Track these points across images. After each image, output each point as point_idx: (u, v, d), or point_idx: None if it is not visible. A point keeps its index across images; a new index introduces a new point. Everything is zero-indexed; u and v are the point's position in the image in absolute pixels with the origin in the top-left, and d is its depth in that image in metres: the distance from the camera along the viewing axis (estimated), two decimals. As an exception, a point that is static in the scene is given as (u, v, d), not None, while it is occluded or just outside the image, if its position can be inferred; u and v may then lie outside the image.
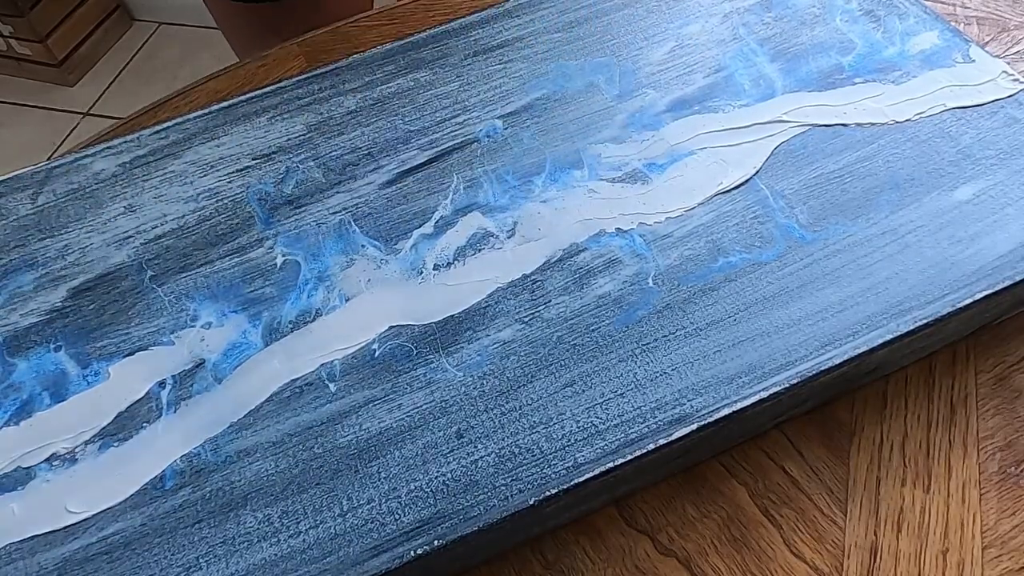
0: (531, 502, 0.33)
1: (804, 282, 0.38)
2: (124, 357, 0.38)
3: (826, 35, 0.48)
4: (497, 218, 0.42)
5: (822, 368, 0.35)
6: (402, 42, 0.51)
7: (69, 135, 1.67)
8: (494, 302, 0.39)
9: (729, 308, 0.37)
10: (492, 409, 0.35)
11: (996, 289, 0.37)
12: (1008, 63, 0.46)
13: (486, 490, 0.33)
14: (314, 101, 0.48)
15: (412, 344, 0.37)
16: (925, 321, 0.36)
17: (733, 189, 0.42)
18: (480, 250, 0.40)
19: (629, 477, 0.35)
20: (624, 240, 0.40)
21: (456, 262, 0.40)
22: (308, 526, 0.33)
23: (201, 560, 0.32)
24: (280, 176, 0.45)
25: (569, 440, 0.34)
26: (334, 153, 0.45)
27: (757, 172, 0.42)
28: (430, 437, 0.35)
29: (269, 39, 0.62)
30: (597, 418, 0.35)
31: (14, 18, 1.63)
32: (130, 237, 0.43)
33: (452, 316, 0.38)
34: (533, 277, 0.39)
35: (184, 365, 0.38)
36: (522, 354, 0.37)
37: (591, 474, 0.33)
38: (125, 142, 0.47)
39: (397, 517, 0.33)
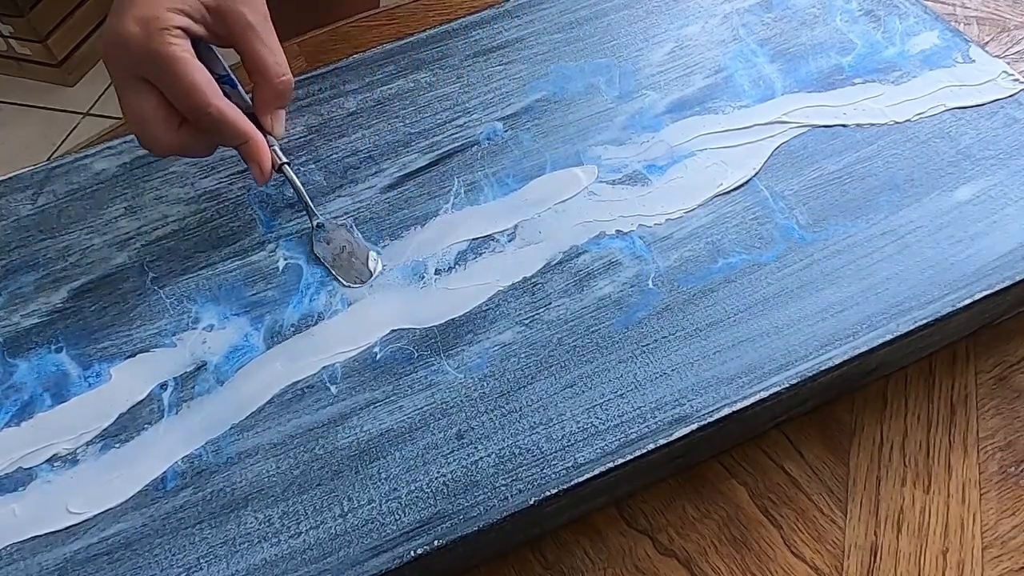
0: (531, 502, 0.33)
1: (804, 283, 0.38)
2: (125, 358, 0.38)
3: (826, 35, 0.48)
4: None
5: (822, 368, 0.35)
6: (402, 42, 0.51)
7: (69, 135, 1.67)
8: (495, 305, 0.39)
9: (729, 309, 0.37)
10: (492, 410, 0.35)
11: (996, 289, 0.37)
12: (1008, 63, 0.46)
13: (486, 490, 0.33)
14: (314, 102, 0.48)
15: (413, 347, 0.38)
16: (925, 321, 0.36)
17: (733, 190, 0.42)
18: (481, 254, 0.41)
19: (629, 477, 0.35)
20: (624, 242, 0.40)
21: (457, 266, 0.40)
22: (308, 527, 0.33)
23: (202, 560, 0.32)
24: (282, 179, 0.45)
25: (569, 440, 0.34)
26: (335, 156, 0.46)
27: (757, 173, 0.42)
28: (430, 438, 0.35)
29: (292, 24, 0.62)
30: (597, 418, 0.35)
31: (14, 18, 1.63)
32: (131, 238, 0.43)
33: (453, 319, 0.38)
34: (533, 280, 0.39)
35: (186, 367, 0.38)
36: (522, 356, 0.37)
37: (591, 474, 0.33)
38: (125, 142, 0.47)
39: (397, 517, 0.33)
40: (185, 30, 0.36)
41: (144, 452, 0.35)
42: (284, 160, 0.41)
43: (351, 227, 0.42)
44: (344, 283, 0.40)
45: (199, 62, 0.37)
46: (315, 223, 0.42)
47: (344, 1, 0.68)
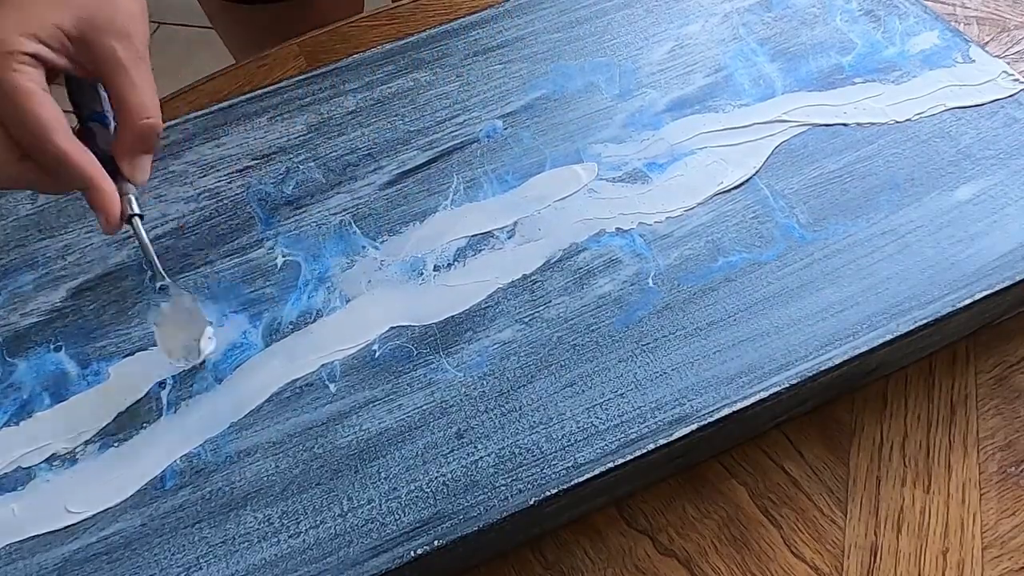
0: (531, 502, 0.33)
1: (804, 282, 0.38)
2: (124, 357, 0.38)
3: (826, 35, 0.48)
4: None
5: (822, 368, 0.35)
6: (402, 42, 0.51)
7: (69, 135, 1.67)
8: (494, 303, 0.39)
9: (729, 308, 0.37)
10: (492, 409, 0.35)
11: (996, 289, 0.37)
12: (1008, 63, 0.46)
13: (486, 490, 0.33)
14: (314, 101, 0.48)
15: (412, 345, 0.37)
16: (925, 321, 0.36)
17: (733, 189, 0.42)
18: (480, 251, 0.40)
19: (629, 477, 0.35)
20: (624, 240, 0.40)
21: (456, 263, 0.40)
22: (308, 526, 0.33)
23: (201, 560, 0.32)
24: (280, 176, 0.45)
25: (569, 440, 0.34)
26: (334, 154, 0.45)
27: (757, 172, 0.42)
28: (430, 437, 0.35)
29: (262, 40, 0.62)
30: (597, 418, 0.35)
31: (14, 18, 1.63)
32: (130, 237, 0.43)
33: (452, 317, 0.38)
34: (533, 277, 0.39)
35: (184, 365, 0.38)
36: (522, 354, 0.37)
37: (591, 474, 0.33)
38: (125, 142, 0.47)
39: (397, 517, 0.33)
40: (37, 57, 0.33)
41: (143, 451, 0.35)
42: (135, 212, 0.36)
43: (196, 299, 0.39)
44: (168, 359, 0.37)
45: (47, 95, 0.33)
46: (158, 285, 0.37)
47: (324, 7, 0.68)
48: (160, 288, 0.37)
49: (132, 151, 0.36)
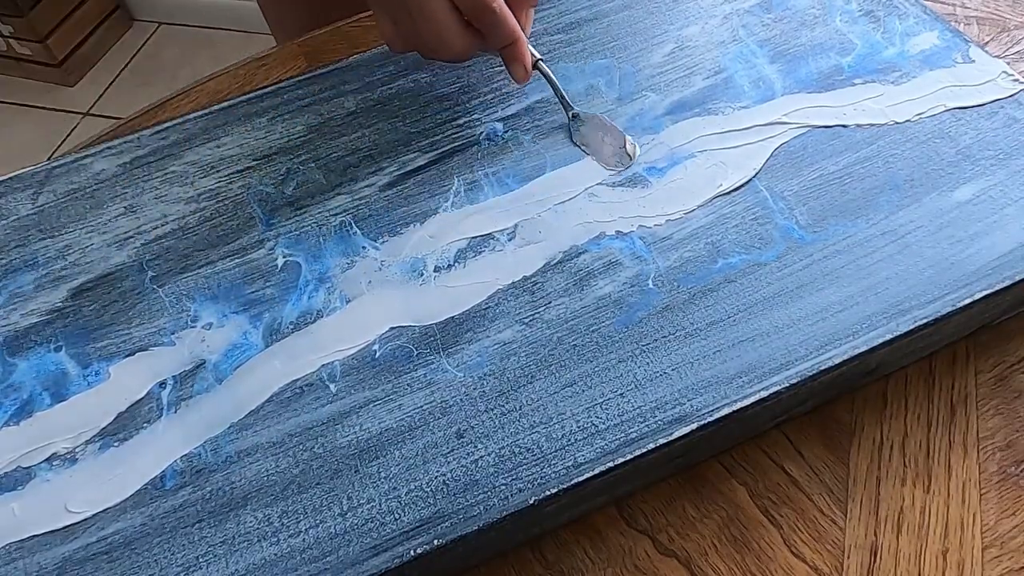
0: (531, 502, 0.33)
1: (804, 282, 0.38)
2: (124, 357, 0.38)
3: (826, 36, 0.48)
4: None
5: (822, 368, 0.35)
6: (402, 43, 0.51)
7: (69, 135, 1.68)
8: (494, 303, 0.39)
9: (729, 309, 0.37)
10: (492, 409, 0.35)
11: (996, 289, 0.37)
12: (1008, 63, 0.46)
13: (486, 490, 0.33)
14: (315, 102, 0.48)
15: (413, 345, 0.38)
16: (925, 321, 0.36)
17: (733, 191, 0.42)
18: (481, 252, 0.41)
19: (629, 477, 0.35)
20: (624, 242, 0.40)
21: (457, 264, 0.40)
22: (308, 526, 0.33)
23: (201, 560, 0.32)
24: (281, 177, 0.45)
25: (569, 440, 0.34)
26: (335, 154, 0.46)
27: (757, 174, 0.42)
28: (430, 437, 0.35)
29: (311, 22, 0.61)
30: (597, 418, 0.35)
31: (14, 18, 1.63)
32: (130, 237, 0.43)
33: (453, 317, 0.38)
34: (533, 279, 0.39)
35: (185, 365, 0.38)
36: (522, 355, 0.37)
37: (591, 473, 0.33)
38: (125, 142, 0.47)
39: (397, 517, 0.33)
40: None
41: (143, 451, 0.35)
42: (539, 56, 0.44)
43: (605, 116, 0.44)
44: (605, 167, 0.42)
45: None
46: (571, 114, 0.44)
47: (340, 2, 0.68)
48: (573, 116, 0.44)
49: (527, 4, 0.43)
